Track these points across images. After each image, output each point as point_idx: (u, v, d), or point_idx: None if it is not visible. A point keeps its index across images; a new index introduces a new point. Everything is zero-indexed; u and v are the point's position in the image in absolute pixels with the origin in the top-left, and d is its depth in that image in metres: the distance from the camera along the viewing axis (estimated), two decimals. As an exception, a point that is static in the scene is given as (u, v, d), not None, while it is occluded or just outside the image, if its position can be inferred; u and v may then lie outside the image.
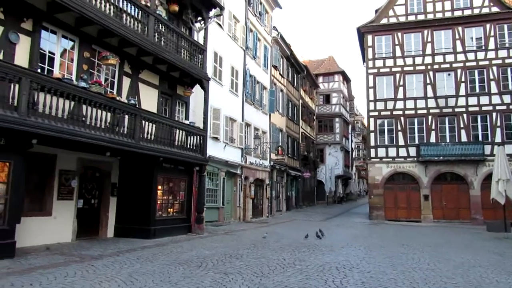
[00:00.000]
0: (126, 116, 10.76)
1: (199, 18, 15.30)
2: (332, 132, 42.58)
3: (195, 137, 13.98)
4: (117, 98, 10.78)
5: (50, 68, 9.73)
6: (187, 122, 14.18)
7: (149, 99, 13.01)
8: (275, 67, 28.37)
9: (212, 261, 8.57)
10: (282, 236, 14.32)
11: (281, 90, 29.91)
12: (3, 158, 8.15)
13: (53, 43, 9.87)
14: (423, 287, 6.70)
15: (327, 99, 43.77)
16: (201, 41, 15.07)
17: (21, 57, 8.90)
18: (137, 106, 11.29)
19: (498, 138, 23.54)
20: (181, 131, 13.21)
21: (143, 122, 11.36)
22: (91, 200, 12.16)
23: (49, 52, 9.77)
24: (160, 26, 12.62)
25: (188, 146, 13.63)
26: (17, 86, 7.84)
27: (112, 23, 10.36)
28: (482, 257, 10.38)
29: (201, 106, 16.43)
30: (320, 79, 43.69)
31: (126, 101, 11.09)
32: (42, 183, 10.44)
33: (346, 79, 46.03)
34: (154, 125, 11.86)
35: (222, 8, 15.21)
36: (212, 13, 15.29)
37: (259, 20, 25.28)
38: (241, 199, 21.89)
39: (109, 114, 10.24)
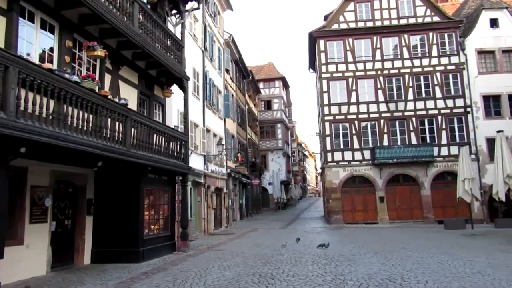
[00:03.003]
0: (110, 119, 8.95)
1: (174, 12, 13.82)
2: (274, 138, 42.46)
3: (178, 143, 12.44)
4: (109, 97, 9.00)
5: (28, 58, 7.73)
6: (171, 126, 12.57)
7: (129, 99, 11.19)
8: (227, 71, 27.30)
9: (251, 286, 7.32)
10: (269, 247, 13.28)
11: (232, 95, 28.89)
12: (-19, 173, 6.14)
13: (31, 26, 7.90)
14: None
15: (268, 105, 43.63)
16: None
17: (-5, 42, 6.91)
18: (128, 106, 9.58)
19: (444, 140, 24.91)
20: (166, 137, 11.59)
21: (132, 125, 9.66)
22: (64, 221, 10.06)
23: (27, 38, 7.80)
24: (141, 16, 10.99)
25: (172, 153, 12.06)
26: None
27: (100, 7, 8.64)
28: (488, 256, 10.41)
29: (171, 110, 14.94)
30: (261, 84, 43.43)
31: (117, 100, 9.33)
32: (12, 204, 8.26)
33: (286, 85, 46.38)
34: (138, 130, 10.15)
35: (199, 2, 13.86)
36: (188, 6, 13.90)
37: (213, 21, 24.08)
38: (205, 210, 20.39)
39: (97, 115, 8.43)
